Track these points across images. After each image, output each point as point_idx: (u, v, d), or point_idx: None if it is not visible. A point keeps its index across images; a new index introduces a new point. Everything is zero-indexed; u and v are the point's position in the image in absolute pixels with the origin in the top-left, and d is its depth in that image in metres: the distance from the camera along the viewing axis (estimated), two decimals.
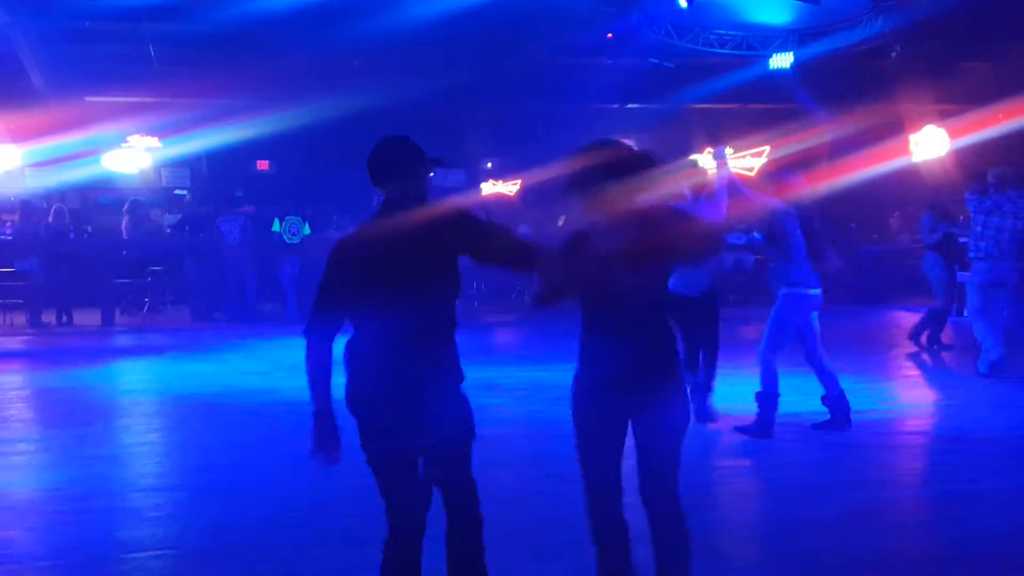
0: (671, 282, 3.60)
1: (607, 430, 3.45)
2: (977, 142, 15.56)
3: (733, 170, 7.03)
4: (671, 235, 3.40)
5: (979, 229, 8.82)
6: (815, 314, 6.72)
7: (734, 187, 6.49)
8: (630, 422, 3.45)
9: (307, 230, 15.35)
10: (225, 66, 15.84)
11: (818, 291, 6.63)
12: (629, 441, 3.46)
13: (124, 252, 15.75)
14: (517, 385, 9.02)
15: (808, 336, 6.74)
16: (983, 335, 9.02)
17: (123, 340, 13.50)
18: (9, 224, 16.46)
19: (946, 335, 11.43)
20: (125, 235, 15.96)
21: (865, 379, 8.81)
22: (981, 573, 4.36)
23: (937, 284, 11.12)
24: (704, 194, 6.50)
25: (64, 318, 14.66)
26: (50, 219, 15.19)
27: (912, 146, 17.70)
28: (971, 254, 9.07)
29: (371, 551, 4.58)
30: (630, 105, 19.18)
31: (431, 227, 3.34)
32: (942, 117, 17.61)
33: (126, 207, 16.15)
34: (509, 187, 21.07)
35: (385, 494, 3.38)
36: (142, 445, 6.92)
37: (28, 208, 15.53)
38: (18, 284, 14.66)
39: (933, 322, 11.11)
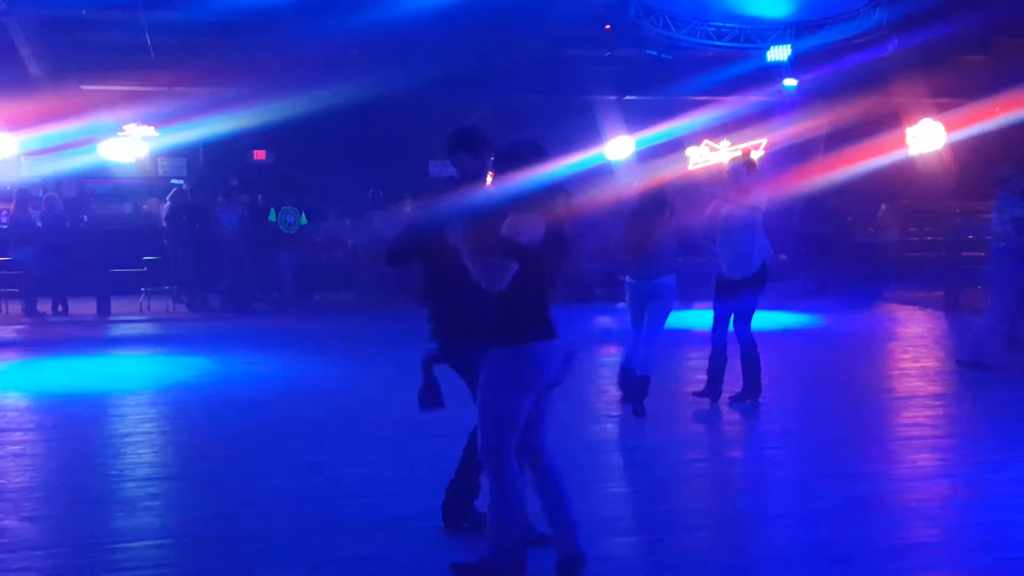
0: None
1: None
2: (974, 135, 15.59)
3: None
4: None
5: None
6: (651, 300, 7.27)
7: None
8: None
9: (304, 220, 15.31)
10: (222, 55, 15.76)
11: (636, 281, 7.25)
12: None
13: (165, 241, 15.77)
14: None
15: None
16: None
17: (118, 330, 13.48)
18: (4, 213, 16.40)
19: None
20: (165, 223, 15.98)
21: None
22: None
23: None
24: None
25: (60, 307, 14.64)
26: (43, 208, 15.15)
27: (908, 139, 17.72)
28: None
29: (371, 540, 4.59)
30: (628, 97, 19.16)
31: None
32: (939, 110, 17.63)
33: (170, 194, 16.12)
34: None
35: None
36: (138, 434, 6.91)
37: (25, 196, 15.48)
38: (14, 273, 14.64)
39: None
